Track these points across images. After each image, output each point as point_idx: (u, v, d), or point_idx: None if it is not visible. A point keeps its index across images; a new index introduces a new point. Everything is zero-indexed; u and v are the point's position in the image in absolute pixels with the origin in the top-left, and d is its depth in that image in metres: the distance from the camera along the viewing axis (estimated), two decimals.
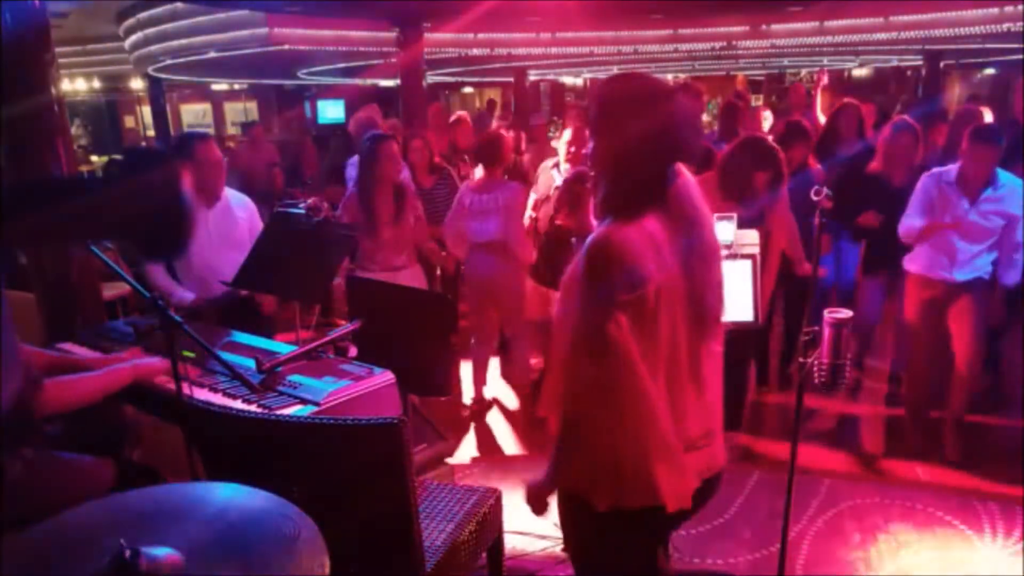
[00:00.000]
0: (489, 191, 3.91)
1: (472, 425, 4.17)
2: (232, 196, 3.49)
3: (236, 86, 17.70)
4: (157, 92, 13.47)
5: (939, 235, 3.47)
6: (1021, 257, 3.45)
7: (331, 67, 12.45)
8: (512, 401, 4.49)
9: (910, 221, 3.54)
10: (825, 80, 6.47)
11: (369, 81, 14.06)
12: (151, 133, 14.72)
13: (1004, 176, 3.38)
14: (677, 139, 1.59)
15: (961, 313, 3.56)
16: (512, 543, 2.81)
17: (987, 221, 3.40)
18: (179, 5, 8.10)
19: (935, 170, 3.54)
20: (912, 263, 3.65)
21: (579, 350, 1.53)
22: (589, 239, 1.55)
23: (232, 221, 3.44)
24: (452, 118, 6.01)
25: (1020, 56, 8.90)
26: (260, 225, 3.53)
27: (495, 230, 3.87)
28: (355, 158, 4.68)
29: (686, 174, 1.63)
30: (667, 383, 1.56)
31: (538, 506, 1.72)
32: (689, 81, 4.17)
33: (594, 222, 1.70)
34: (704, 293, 1.59)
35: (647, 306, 1.50)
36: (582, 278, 1.53)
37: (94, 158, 13.02)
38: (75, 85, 14.94)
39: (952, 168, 3.47)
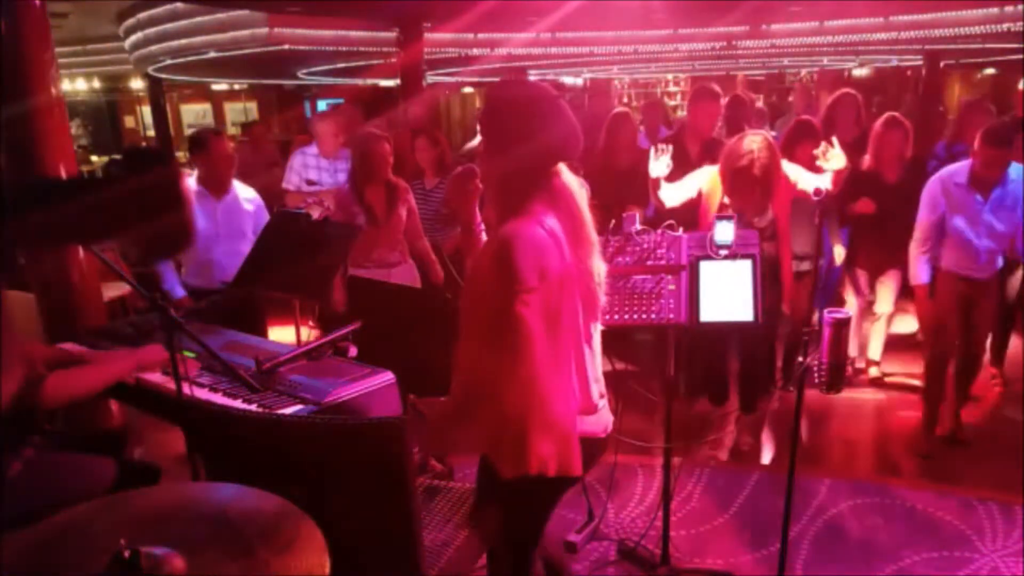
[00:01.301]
0: None
1: None
2: (241, 189, 3.69)
3: (236, 86, 17.69)
4: (157, 92, 13.45)
5: (960, 235, 3.46)
6: None
7: (331, 67, 12.44)
8: None
9: (925, 219, 3.53)
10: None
11: (369, 81, 14.04)
12: (151, 133, 14.69)
13: (1014, 171, 3.35)
14: (558, 141, 1.73)
15: (981, 307, 3.60)
16: None
17: (1001, 217, 3.38)
18: (179, 5, 8.09)
19: (942, 172, 3.51)
20: (942, 260, 3.63)
21: (488, 335, 1.67)
22: (499, 235, 1.68)
23: (240, 213, 3.65)
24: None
25: (1020, 56, 8.89)
26: (267, 218, 3.72)
27: None
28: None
29: (564, 173, 1.77)
30: (574, 358, 1.76)
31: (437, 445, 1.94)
32: (710, 86, 4.15)
33: (479, 215, 1.84)
34: (589, 279, 1.78)
35: (552, 293, 1.66)
36: (492, 270, 1.66)
37: (94, 158, 12.98)
38: (75, 85, 14.93)
39: (960, 168, 3.44)
